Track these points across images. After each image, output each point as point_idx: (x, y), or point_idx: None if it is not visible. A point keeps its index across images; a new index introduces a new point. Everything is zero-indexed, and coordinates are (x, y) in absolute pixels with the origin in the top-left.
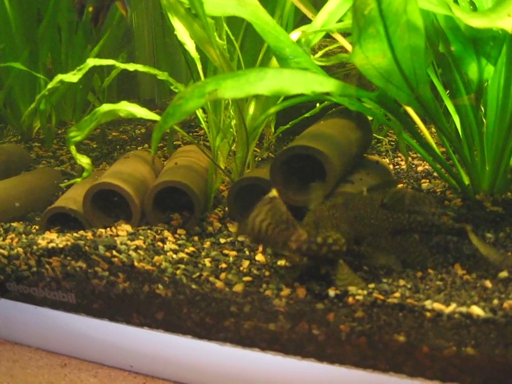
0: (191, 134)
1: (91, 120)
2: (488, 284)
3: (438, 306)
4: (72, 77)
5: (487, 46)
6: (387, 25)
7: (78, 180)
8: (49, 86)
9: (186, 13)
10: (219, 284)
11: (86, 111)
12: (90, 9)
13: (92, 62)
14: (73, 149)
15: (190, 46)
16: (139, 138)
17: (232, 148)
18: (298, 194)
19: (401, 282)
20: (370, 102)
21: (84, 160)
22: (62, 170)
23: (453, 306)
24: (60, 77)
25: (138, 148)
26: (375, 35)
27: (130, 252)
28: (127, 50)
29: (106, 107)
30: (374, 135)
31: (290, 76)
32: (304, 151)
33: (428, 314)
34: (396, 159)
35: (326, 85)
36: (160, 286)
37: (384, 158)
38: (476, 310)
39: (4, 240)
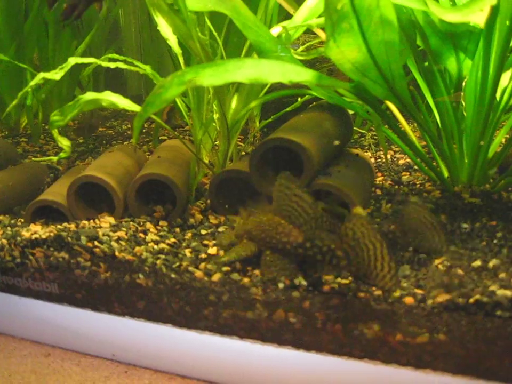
0: (177, 129)
1: (74, 106)
2: None
3: None
4: (55, 75)
5: (465, 41)
6: (360, 20)
7: (54, 158)
8: (32, 83)
9: (168, 8)
10: (198, 273)
11: None
12: (65, 6)
13: (73, 60)
14: (55, 131)
15: (173, 41)
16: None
17: (216, 142)
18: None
19: None
20: (350, 95)
21: (64, 142)
22: (48, 164)
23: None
24: (42, 74)
25: (124, 143)
26: (349, 30)
27: (112, 243)
28: (114, 46)
29: (89, 95)
30: (358, 129)
31: (268, 65)
32: (281, 143)
33: None
34: (378, 152)
35: (303, 74)
36: (140, 275)
37: (367, 152)
38: None
39: None
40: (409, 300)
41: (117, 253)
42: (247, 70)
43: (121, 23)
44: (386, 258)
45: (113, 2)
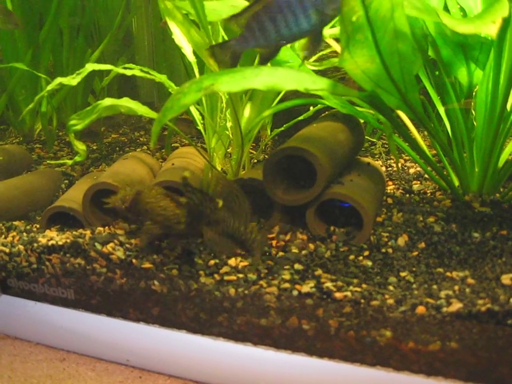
0: (188, 136)
1: (92, 111)
2: None
3: None
4: (71, 80)
5: (476, 51)
6: (375, 31)
7: (69, 161)
8: (49, 87)
9: (183, 18)
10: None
11: None
12: None
13: (90, 66)
14: (72, 136)
15: (187, 50)
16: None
17: (228, 150)
18: (289, 194)
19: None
20: (363, 104)
21: (80, 147)
22: (63, 171)
23: None
24: (59, 79)
25: (137, 150)
26: (363, 41)
27: (128, 249)
28: (127, 54)
29: (108, 101)
30: (368, 137)
31: (284, 73)
32: (295, 152)
33: None
34: (388, 161)
35: (318, 83)
36: (156, 282)
37: (377, 160)
38: None
39: (5, 238)
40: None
41: (132, 259)
42: (264, 77)
43: (134, 32)
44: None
45: (126, 11)
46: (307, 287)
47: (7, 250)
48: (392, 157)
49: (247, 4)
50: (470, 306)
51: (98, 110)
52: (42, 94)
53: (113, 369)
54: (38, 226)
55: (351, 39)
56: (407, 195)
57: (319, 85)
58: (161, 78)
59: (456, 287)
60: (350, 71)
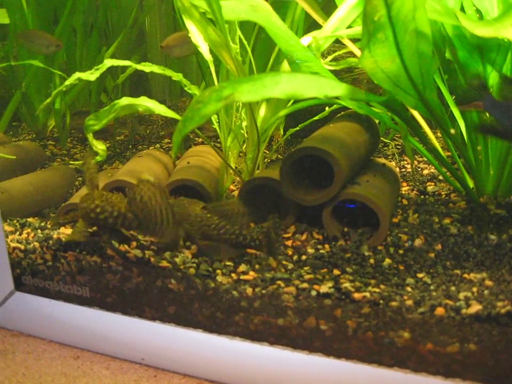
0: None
1: (109, 111)
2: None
3: None
4: (90, 75)
5: (493, 53)
6: (396, 31)
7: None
8: (67, 82)
9: (201, 16)
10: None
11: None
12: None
13: (109, 62)
14: (90, 136)
15: (204, 48)
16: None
17: (242, 148)
18: (307, 194)
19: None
20: (378, 105)
21: (99, 147)
22: (76, 168)
23: None
24: (77, 74)
25: (150, 148)
26: (384, 40)
27: (144, 247)
28: (139, 52)
29: (125, 100)
30: (381, 138)
31: (304, 80)
32: (314, 152)
33: None
34: (401, 162)
35: (338, 89)
36: (173, 281)
37: (391, 161)
38: None
39: (20, 234)
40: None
41: (148, 257)
42: (283, 85)
43: (146, 30)
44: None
45: (140, 9)
46: (325, 287)
47: (22, 247)
48: (405, 158)
49: (265, 3)
50: (489, 308)
51: (115, 110)
52: (60, 88)
53: (127, 368)
54: (52, 223)
55: (372, 37)
56: (422, 196)
57: (338, 91)
58: (178, 76)
59: (475, 289)
60: (370, 70)
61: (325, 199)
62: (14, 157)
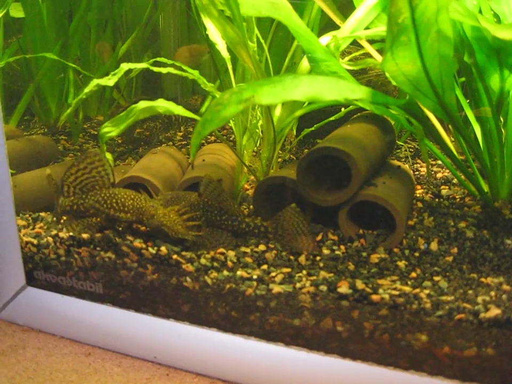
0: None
1: (127, 116)
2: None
3: None
4: (108, 81)
5: (511, 58)
6: (418, 34)
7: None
8: (87, 89)
9: (219, 14)
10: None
11: (111, 107)
12: None
13: (126, 66)
14: (104, 146)
15: (222, 46)
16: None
17: (256, 147)
18: (324, 195)
19: None
20: (395, 108)
21: (107, 157)
22: None
23: None
24: (96, 81)
25: (162, 145)
26: (406, 43)
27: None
28: (152, 49)
29: (143, 104)
30: None
31: (324, 82)
32: (332, 152)
33: None
34: (415, 165)
35: (358, 92)
36: (188, 279)
37: (404, 164)
38: None
39: (33, 229)
40: None
41: (164, 255)
42: (304, 88)
43: (160, 27)
44: (306, 233)
45: (154, 7)
46: (342, 289)
47: (35, 242)
48: (418, 160)
49: (285, 1)
50: (508, 312)
51: (134, 114)
52: (81, 96)
53: (139, 366)
54: (65, 217)
55: (395, 40)
56: (437, 200)
57: (358, 94)
58: (194, 73)
59: (493, 293)
60: (391, 73)
61: (342, 200)
62: None
